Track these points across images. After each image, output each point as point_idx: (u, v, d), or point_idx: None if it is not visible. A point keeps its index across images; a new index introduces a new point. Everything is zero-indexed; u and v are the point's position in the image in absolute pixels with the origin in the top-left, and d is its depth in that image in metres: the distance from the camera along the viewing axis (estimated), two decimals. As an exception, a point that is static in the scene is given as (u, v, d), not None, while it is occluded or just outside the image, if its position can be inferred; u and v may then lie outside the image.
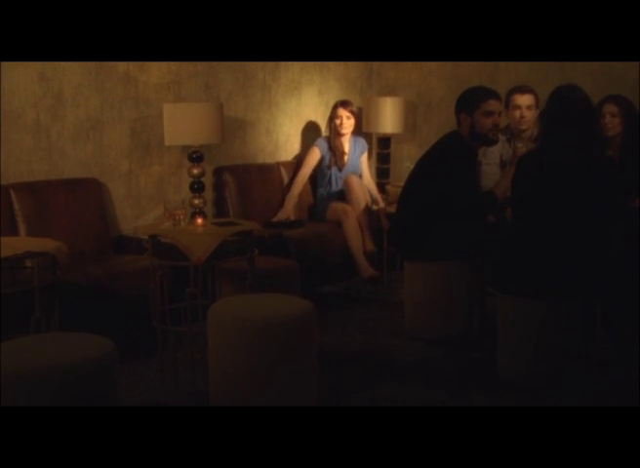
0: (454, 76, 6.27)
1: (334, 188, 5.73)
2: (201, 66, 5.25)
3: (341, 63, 6.46)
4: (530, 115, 4.79)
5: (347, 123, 5.68)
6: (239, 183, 5.38)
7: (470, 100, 4.16)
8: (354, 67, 6.58)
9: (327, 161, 5.71)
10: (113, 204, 4.80)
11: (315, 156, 5.71)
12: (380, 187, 6.05)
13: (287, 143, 6.06)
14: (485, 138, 4.18)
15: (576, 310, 3.43)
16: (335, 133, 5.74)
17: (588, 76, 5.32)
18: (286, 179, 5.75)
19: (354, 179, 5.57)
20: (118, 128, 4.79)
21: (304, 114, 6.19)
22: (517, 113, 4.77)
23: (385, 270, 5.47)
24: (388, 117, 6.05)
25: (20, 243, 3.50)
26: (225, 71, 5.43)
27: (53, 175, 4.46)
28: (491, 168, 4.83)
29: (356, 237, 5.29)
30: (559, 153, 3.44)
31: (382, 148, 6.31)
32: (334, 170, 5.73)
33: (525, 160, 3.70)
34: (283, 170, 5.78)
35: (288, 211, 5.51)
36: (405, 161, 5.86)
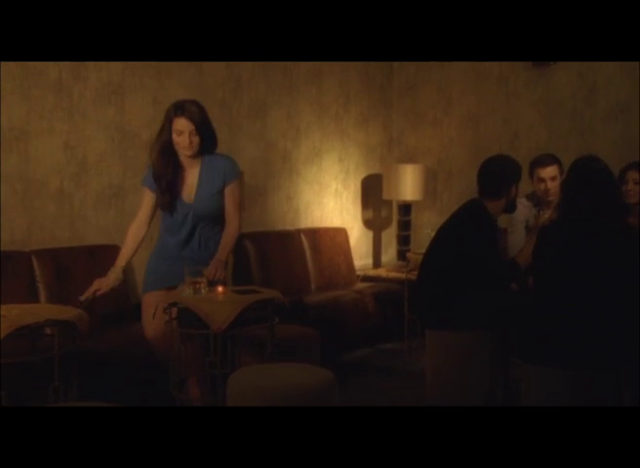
0: (474, 143, 6.31)
1: (171, 246, 3.85)
2: (222, 134, 5.29)
3: (362, 130, 6.53)
4: (555, 186, 4.75)
5: (192, 139, 3.62)
6: (260, 250, 5.38)
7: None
8: (374, 134, 6.64)
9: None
10: (134, 270, 4.81)
11: (146, 198, 3.86)
12: (401, 254, 6.03)
13: (307, 210, 6.09)
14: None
15: (601, 380, 3.36)
16: (167, 156, 3.66)
17: (609, 144, 5.33)
18: (307, 246, 5.75)
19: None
20: (140, 195, 4.82)
21: (325, 181, 6.23)
22: (542, 186, 4.75)
23: (406, 338, 5.41)
24: (409, 184, 6.08)
25: (41, 310, 3.50)
26: (247, 139, 5.49)
27: (75, 241, 4.50)
28: (516, 235, 4.80)
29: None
30: (578, 224, 3.43)
31: (403, 215, 6.33)
32: (167, 216, 3.83)
33: (545, 230, 3.69)
34: (304, 237, 5.80)
35: (105, 281, 3.80)
36: (426, 228, 5.86)
